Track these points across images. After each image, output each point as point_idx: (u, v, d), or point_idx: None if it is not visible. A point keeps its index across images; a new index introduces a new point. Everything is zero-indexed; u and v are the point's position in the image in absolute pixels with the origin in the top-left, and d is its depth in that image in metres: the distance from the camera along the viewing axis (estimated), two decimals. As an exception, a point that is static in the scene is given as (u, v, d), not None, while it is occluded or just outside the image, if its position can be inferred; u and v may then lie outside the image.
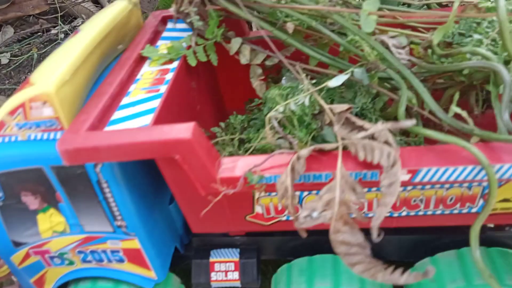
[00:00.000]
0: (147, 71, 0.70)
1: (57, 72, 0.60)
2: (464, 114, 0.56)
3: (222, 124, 0.79)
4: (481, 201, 0.60)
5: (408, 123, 0.50)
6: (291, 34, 0.71)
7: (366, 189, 0.53)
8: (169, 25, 0.84)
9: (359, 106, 0.69)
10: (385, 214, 0.48)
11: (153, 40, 0.79)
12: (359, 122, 0.57)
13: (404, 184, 0.54)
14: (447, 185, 0.58)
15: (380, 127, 0.52)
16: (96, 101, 0.62)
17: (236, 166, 0.56)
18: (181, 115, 0.69)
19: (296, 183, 0.55)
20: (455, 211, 0.62)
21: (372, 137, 0.54)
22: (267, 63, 0.76)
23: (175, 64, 0.71)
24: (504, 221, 0.61)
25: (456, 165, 0.51)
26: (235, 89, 0.95)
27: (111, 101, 0.63)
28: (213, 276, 0.82)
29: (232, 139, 0.73)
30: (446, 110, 0.57)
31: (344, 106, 0.59)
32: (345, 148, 0.55)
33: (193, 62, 0.72)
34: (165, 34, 0.82)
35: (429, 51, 0.65)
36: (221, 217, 0.66)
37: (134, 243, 0.69)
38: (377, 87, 0.65)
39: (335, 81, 0.62)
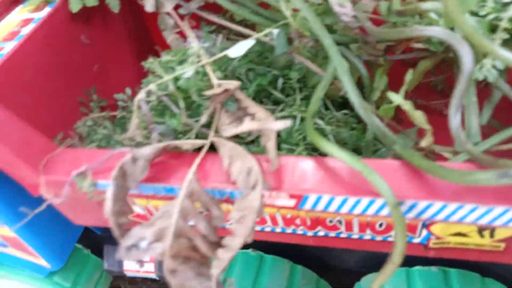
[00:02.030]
0: (11, 21, 0.54)
1: None
2: (406, 107, 0.36)
3: (129, 91, 0.63)
4: (425, 232, 0.41)
5: (279, 125, 0.32)
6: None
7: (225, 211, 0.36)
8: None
9: (293, 78, 0.50)
10: (229, 259, 0.32)
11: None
12: (247, 104, 0.39)
13: (292, 209, 0.37)
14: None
15: (249, 125, 0.34)
16: None
17: (69, 165, 0.40)
18: (45, 83, 0.53)
19: (148, 194, 0.40)
20: (391, 239, 0.44)
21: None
22: (181, 11, 0.57)
23: (46, 11, 0.53)
24: (459, 256, 0.43)
25: (359, 196, 0.32)
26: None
27: None
28: (126, 265, 0.71)
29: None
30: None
31: (233, 84, 0.40)
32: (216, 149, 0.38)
33: (75, 7, 0.54)
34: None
35: (383, 3, 0.43)
36: (98, 213, 0.52)
37: (7, 231, 0.58)
38: (302, 57, 0.46)
39: (237, 49, 0.43)
